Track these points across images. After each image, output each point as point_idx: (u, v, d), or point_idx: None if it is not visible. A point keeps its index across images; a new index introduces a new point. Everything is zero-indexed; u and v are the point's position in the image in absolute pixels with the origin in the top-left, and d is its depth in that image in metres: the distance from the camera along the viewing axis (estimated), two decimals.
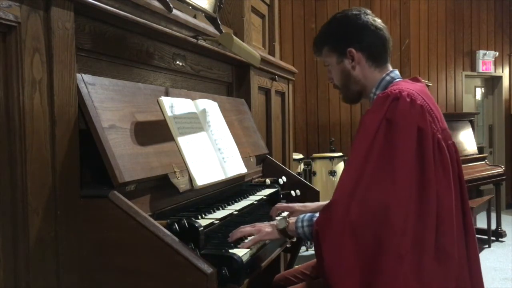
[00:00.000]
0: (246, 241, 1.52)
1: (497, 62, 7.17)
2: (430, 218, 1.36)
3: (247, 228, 1.55)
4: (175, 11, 1.68)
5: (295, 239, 1.95)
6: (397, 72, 1.64)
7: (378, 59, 1.61)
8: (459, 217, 1.46)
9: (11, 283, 1.11)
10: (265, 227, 1.56)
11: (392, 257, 1.32)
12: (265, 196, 2.06)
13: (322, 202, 1.93)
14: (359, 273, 1.33)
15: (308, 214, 1.55)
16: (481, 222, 5.54)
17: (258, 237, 1.52)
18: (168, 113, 1.63)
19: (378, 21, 1.63)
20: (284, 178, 2.33)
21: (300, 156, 4.93)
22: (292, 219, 1.56)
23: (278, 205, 1.93)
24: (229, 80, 2.48)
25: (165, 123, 1.61)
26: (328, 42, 1.66)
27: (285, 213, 1.91)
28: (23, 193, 1.11)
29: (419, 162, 1.37)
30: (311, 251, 4.67)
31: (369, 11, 1.64)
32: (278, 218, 1.85)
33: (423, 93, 1.49)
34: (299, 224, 1.53)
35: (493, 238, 5.25)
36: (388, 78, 1.61)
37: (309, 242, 4.48)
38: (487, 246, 5.07)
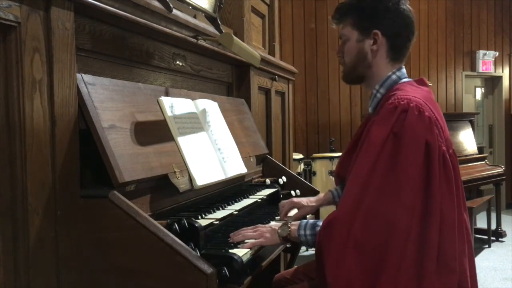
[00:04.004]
0: (246, 241, 1.51)
1: (497, 62, 7.16)
2: (433, 233, 1.34)
3: (249, 232, 1.54)
4: (175, 11, 1.68)
5: None
6: (404, 71, 1.57)
7: (398, 52, 1.53)
8: (459, 227, 1.44)
9: (11, 283, 1.11)
10: (267, 232, 1.54)
11: (393, 271, 1.31)
12: (265, 196, 2.06)
13: (323, 195, 1.95)
14: (362, 284, 1.32)
15: (311, 221, 1.52)
16: (481, 222, 5.54)
17: (259, 242, 1.51)
18: (168, 113, 1.63)
19: (412, 13, 1.53)
20: (284, 178, 2.34)
21: (300, 156, 4.93)
22: (294, 226, 1.53)
23: (285, 207, 1.88)
24: (229, 80, 2.48)
25: (165, 123, 1.61)
26: (354, 15, 1.53)
27: (291, 212, 1.91)
28: (23, 193, 1.11)
29: (425, 177, 1.34)
30: (311, 251, 4.67)
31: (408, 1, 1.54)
32: (277, 222, 1.84)
33: (429, 101, 1.44)
34: (302, 232, 1.51)
35: (493, 238, 5.25)
36: (394, 77, 1.54)
37: None
38: (487, 246, 5.06)
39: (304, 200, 1.90)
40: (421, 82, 1.56)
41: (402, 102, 1.39)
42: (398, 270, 1.31)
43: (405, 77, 1.56)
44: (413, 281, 1.33)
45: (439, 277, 1.36)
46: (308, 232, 1.50)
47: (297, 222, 1.54)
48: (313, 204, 1.91)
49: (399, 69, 1.56)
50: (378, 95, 1.56)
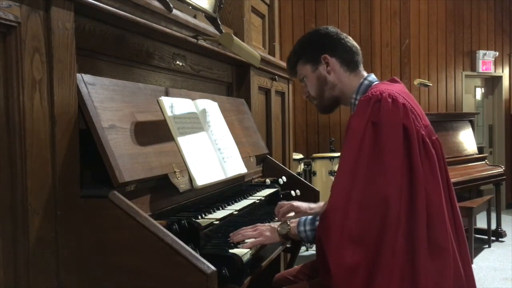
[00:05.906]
0: (246, 241, 1.52)
1: (497, 62, 7.16)
2: (420, 214, 1.38)
3: (248, 232, 1.55)
4: (175, 11, 1.68)
5: None
6: (373, 76, 1.68)
7: (351, 63, 1.67)
8: (448, 212, 1.48)
9: (11, 283, 1.11)
10: (266, 230, 1.55)
11: (389, 253, 1.35)
12: (265, 196, 2.06)
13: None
14: (363, 273, 1.35)
15: (310, 217, 1.54)
16: (481, 222, 5.54)
17: (259, 241, 1.52)
18: (168, 113, 1.63)
19: (345, 34, 1.72)
20: (284, 178, 2.33)
21: (300, 156, 4.93)
22: (294, 223, 1.55)
23: (283, 208, 1.88)
24: (229, 80, 2.48)
25: (165, 123, 1.61)
26: (302, 55, 1.71)
27: (290, 214, 1.90)
28: (23, 193, 1.11)
29: (407, 160, 1.40)
30: (311, 251, 4.67)
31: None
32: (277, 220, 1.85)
33: (403, 93, 1.52)
34: (301, 228, 1.53)
35: (493, 238, 5.25)
36: (366, 82, 1.65)
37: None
38: (487, 246, 5.06)
39: (303, 206, 1.90)
40: (393, 81, 1.66)
41: (374, 94, 1.47)
42: (393, 254, 1.35)
43: (376, 81, 1.67)
44: (408, 265, 1.36)
45: (433, 259, 1.39)
46: (308, 227, 1.52)
47: (296, 220, 1.57)
48: (313, 211, 1.88)
49: (369, 75, 1.68)
50: (357, 102, 1.60)
